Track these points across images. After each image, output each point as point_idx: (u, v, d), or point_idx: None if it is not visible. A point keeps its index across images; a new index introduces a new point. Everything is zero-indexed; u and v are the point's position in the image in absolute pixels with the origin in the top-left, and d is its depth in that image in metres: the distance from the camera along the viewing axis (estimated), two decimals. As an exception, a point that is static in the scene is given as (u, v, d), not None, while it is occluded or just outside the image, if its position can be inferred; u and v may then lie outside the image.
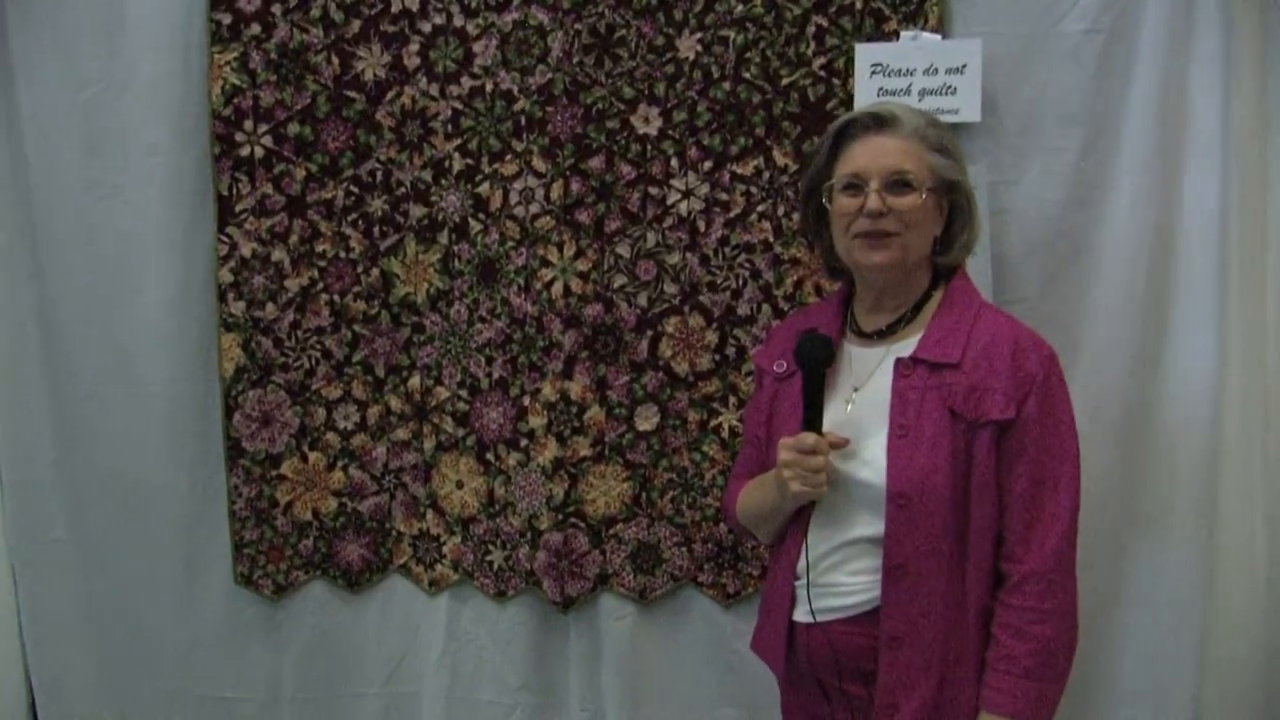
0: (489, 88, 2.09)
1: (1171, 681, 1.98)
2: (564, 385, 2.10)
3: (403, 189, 2.13)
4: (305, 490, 2.19)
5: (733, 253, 2.06)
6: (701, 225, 2.06)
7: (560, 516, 2.11)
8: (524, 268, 2.10)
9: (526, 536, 2.13)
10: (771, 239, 2.05)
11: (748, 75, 2.04)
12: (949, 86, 1.99)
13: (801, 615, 1.55)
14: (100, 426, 2.23)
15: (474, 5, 2.09)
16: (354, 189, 2.13)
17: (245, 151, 2.14)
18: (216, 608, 2.24)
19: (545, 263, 2.10)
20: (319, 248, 2.14)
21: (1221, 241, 1.97)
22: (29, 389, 2.26)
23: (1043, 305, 2.00)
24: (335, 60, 2.12)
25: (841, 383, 1.57)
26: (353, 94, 2.12)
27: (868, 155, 1.54)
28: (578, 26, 2.06)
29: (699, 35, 2.04)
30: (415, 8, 2.10)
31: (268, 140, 2.14)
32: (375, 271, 2.14)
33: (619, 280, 2.08)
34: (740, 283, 2.06)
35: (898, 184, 1.52)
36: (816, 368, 1.52)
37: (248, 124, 2.14)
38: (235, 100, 2.13)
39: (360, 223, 2.13)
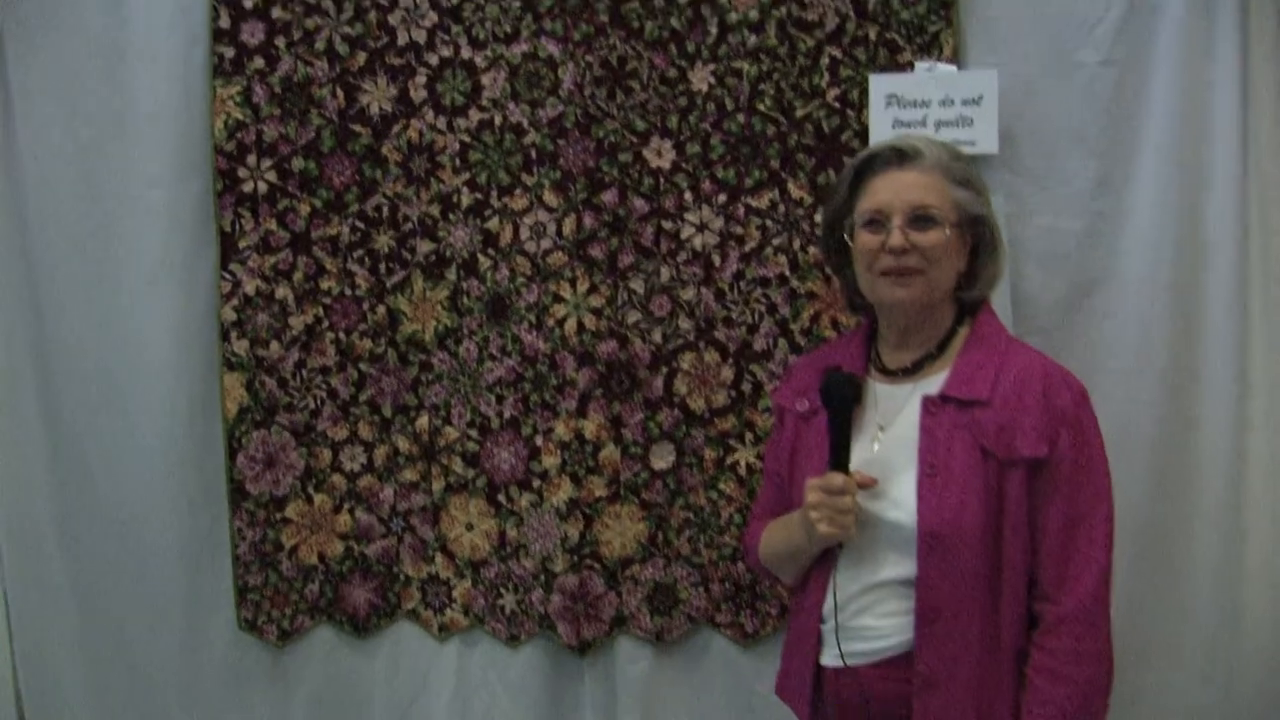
0: (498, 121, 2.07)
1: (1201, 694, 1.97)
2: (578, 424, 2.07)
3: (410, 224, 2.09)
4: (311, 533, 2.14)
5: (748, 287, 2.03)
6: (716, 259, 2.04)
7: (575, 558, 2.08)
8: (535, 304, 2.07)
9: (540, 579, 2.09)
10: (787, 273, 2.03)
11: (761, 107, 2.02)
12: (965, 118, 1.98)
13: (830, 659, 1.53)
14: (98, 468, 2.18)
15: (482, 37, 2.07)
16: (360, 224, 2.10)
17: (248, 187, 2.11)
18: (219, 654, 2.18)
19: (557, 299, 2.07)
20: (324, 285, 2.11)
21: (1241, 270, 1.98)
22: (25, 429, 2.21)
23: (1061, 336, 2.00)
24: (340, 93, 2.09)
25: (867, 421, 1.54)
26: (358, 128, 2.09)
27: (890, 190, 1.52)
28: (589, 58, 2.04)
29: (712, 67, 2.03)
30: (422, 40, 2.08)
31: (271, 175, 2.10)
32: (382, 309, 2.10)
33: (633, 316, 2.06)
34: (756, 317, 2.03)
35: (921, 219, 1.50)
36: (844, 407, 1.49)
37: (251, 159, 2.10)
38: (238, 134, 2.10)
39: (366, 259, 2.10)
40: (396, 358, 2.11)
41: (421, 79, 2.08)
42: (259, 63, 2.09)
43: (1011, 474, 1.43)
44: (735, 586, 2.06)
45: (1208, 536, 1.99)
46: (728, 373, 2.04)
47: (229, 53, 2.09)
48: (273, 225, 2.11)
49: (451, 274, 2.09)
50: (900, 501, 1.46)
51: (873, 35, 2.00)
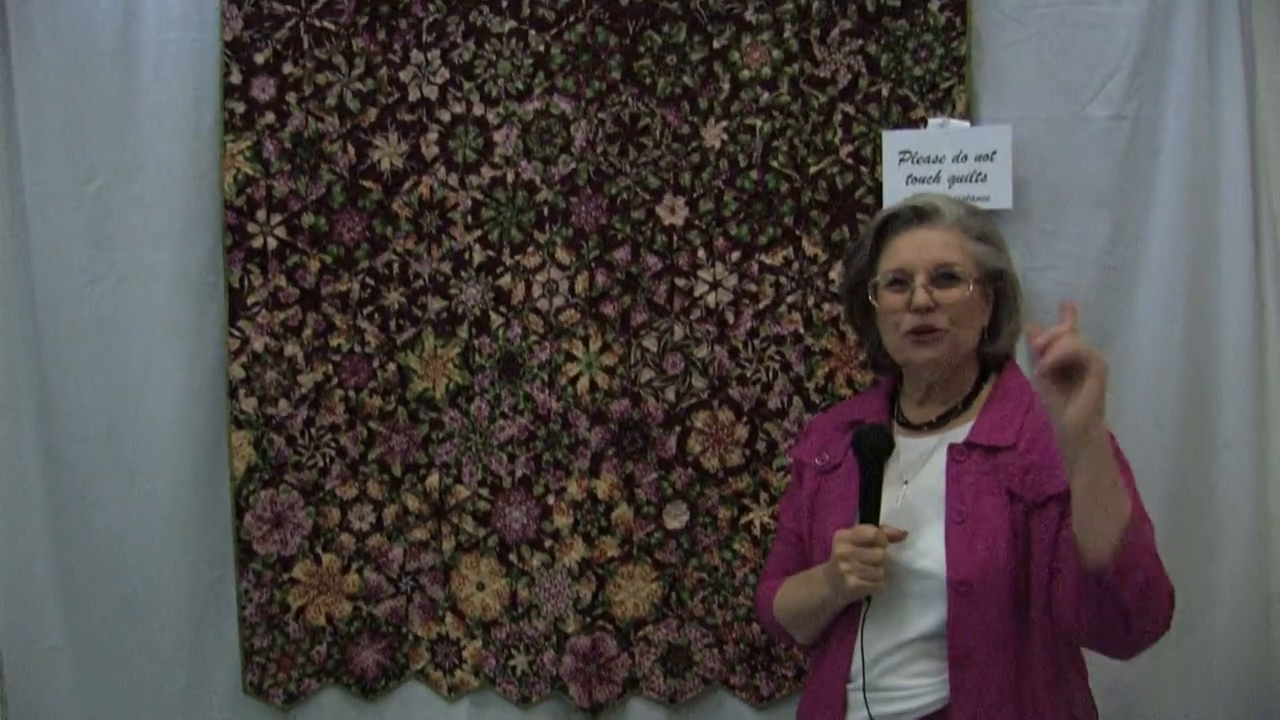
0: (510, 178, 2.07)
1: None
2: (590, 483, 2.05)
3: (421, 281, 2.09)
4: (319, 594, 2.12)
5: (762, 345, 2.03)
6: (730, 317, 2.03)
7: (588, 619, 2.06)
8: (548, 362, 2.06)
9: (552, 640, 2.07)
10: (802, 330, 2.02)
11: (775, 164, 2.03)
12: (979, 173, 1.99)
13: None
14: (102, 527, 2.16)
15: (494, 94, 2.07)
16: (370, 281, 2.09)
17: (258, 242, 2.10)
18: (224, 719, 2.15)
19: (570, 357, 2.06)
20: (334, 342, 2.10)
21: (1255, 325, 1.98)
22: (27, 486, 2.20)
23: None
24: (351, 149, 2.09)
25: (890, 474, 1.54)
26: (369, 184, 2.09)
27: (912, 249, 1.54)
28: (601, 115, 2.05)
29: (724, 124, 2.03)
30: (434, 96, 2.08)
31: (281, 231, 2.10)
32: (392, 366, 2.09)
33: (646, 374, 2.05)
34: (771, 376, 2.03)
35: (944, 277, 1.51)
36: (876, 458, 1.49)
37: (260, 214, 2.10)
38: (248, 190, 2.10)
39: (376, 316, 2.09)
40: (407, 416, 2.09)
41: (433, 135, 2.08)
42: (270, 118, 2.10)
43: (1040, 515, 1.43)
44: (750, 648, 2.04)
45: (1224, 595, 1.97)
46: (742, 431, 2.03)
47: (240, 108, 2.10)
48: (282, 281, 2.10)
49: (463, 331, 2.08)
50: (928, 551, 1.46)
51: (885, 92, 2.01)
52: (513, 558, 2.08)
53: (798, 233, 2.02)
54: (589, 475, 2.05)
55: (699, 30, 2.04)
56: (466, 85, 2.08)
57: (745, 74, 2.03)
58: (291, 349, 2.10)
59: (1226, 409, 1.98)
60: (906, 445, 1.55)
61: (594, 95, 2.05)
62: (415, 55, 2.08)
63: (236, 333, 2.11)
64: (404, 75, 2.09)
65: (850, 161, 2.02)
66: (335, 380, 2.10)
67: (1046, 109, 2.00)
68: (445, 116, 2.09)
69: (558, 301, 2.07)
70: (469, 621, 2.10)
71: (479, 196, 2.08)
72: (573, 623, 2.06)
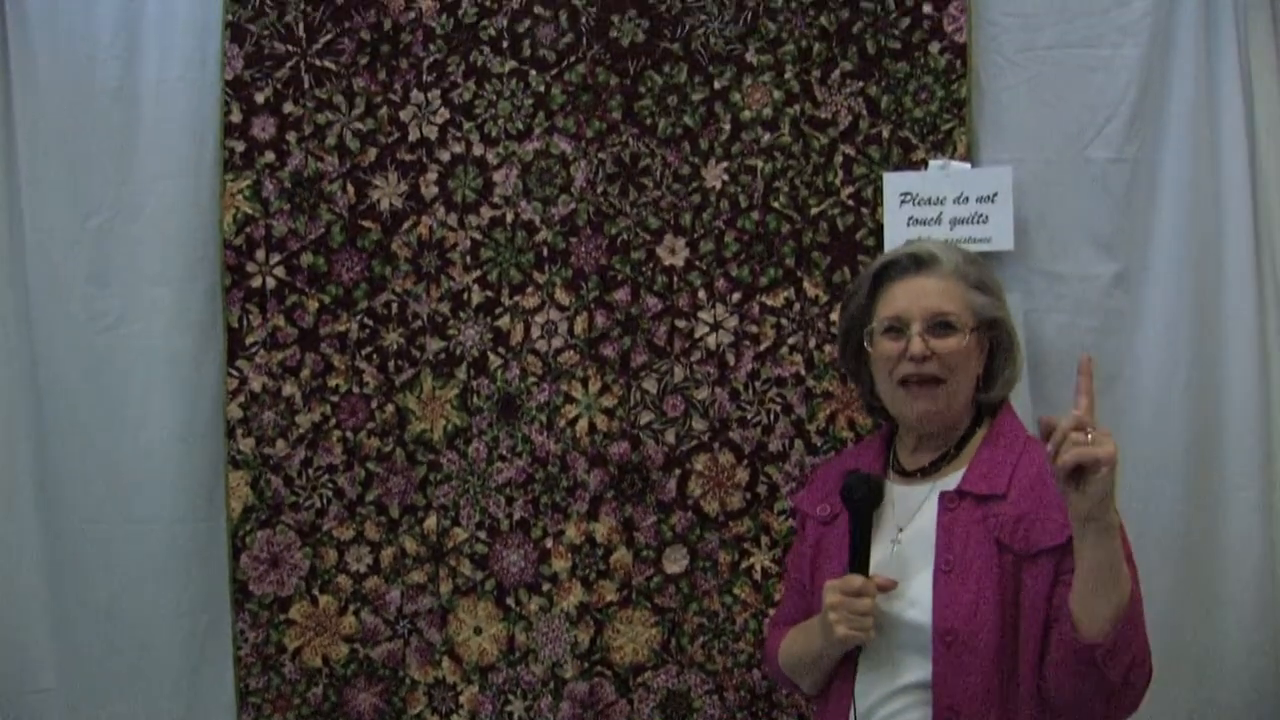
0: (510, 218, 2.07)
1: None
2: (589, 526, 2.05)
3: (419, 322, 2.09)
4: (315, 636, 2.11)
5: (763, 387, 2.02)
6: (731, 358, 2.03)
7: (586, 665, 2.05)
8: (546, 404, 2.06)
9: (549, 686, 2.06)
10: (803, 372, 2.02)
11: (776, 205, 2.03)
12: (980, 215, 1.99)
13: None
14: (97, 567, 2.15)
15: (494, 134, 2.08)
16: (369, 321, 2.09)
17: (256, 282, 2.10)
18: (217, 762, 2.13)
19: (569, 399, 2.06)
20: (332, 382, 2.10)
21: (1259, 367, 1.98)
22: (22, 526, 2.19)
23: (1078, 433, 1.98)
24: (350, 189, 2.10)
25: (886, 523, 1.54)
26: (368, 224, 2.09)
27: (908, 297, 1.54)
28: (601, 155, 2.05)
29: (725, 164, 2.04)
30: (433, 136, 2.09)
31: (280, 271, 2.10)
32: (390, 407, 2.09)
33: (646, 417, 2.05)
34: (772, 418, 2.02)
35: (940, 326, 1.51)
36: (864, 508, 1.49)
37: (259, 254, 2.10)
38: (247, 229, 2.10)
39: (375, 357, 2.09)
40: (404, 457, 2.09)
41: (433, 175, 2.09)
42: (270, 157, 2.10)
43: (1031, 567, 1.42)
44: (751, 695, 2.02)
45: (1230, 632, 1.96)
46: (743, 474, 2.02)
47: (240, 147, 2.10)
48: (281, 321, 2.10)
49: (461, 373, 2.08)
50: (917, 600, 1.45)
51: (886, 133, 2.01)
52: (510, 601, 2.07)
53: (799, 274, 2.02)
54: (588, 518, 2.05)
55: (700, 71, 2.04)
56: (466, 125, 2.09)
57: (746, 115, 2.04)
58: (289, 389, 2.10)
59: (1232, 452, 1.97)
60: (901, 493, 1.54)
61: (594, 135, 2.06)
62: (415, 95, 2.09)
63: (235, 372, 2.10)
64: (404, 115, 2.09)
65: (851, 203, 2.02)
66: (333, 421, 2.10)
67: (1047, 151, 2.00)
68: (445, 156, 2.09)
69: (557, 343, 2.06)
70: (466, 666, 2.09)
71: (478, 237, 2.08)
72: (571, 668, 2.05)
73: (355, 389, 2.09)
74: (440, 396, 2.09)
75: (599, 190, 2.06)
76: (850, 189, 2.02)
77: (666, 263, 2.05)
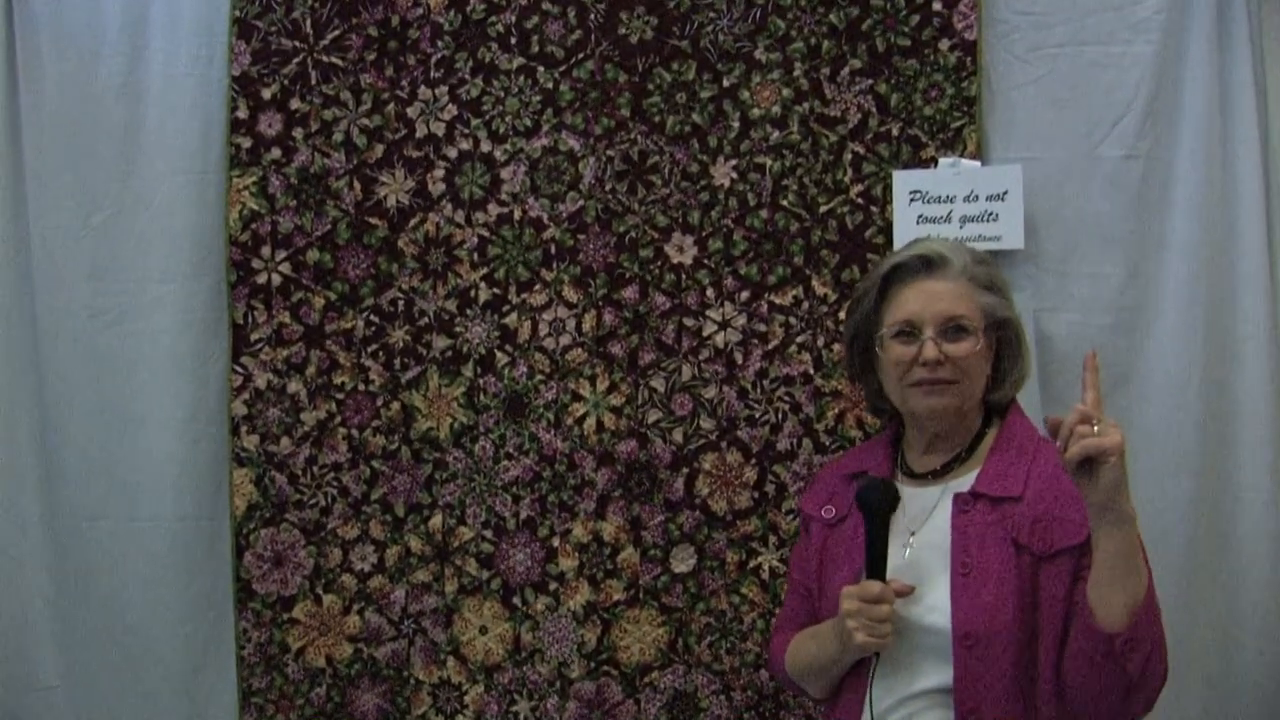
0: (517, 215, 2.07)
1: None
2: (596, 525, 2.05)
3: (426, 319, 2.09)
4: (319, 635, 2.10)
5: (772, 385, 2.02)
6: (739, 357, 2.03)
7: (592, 664, 2.04)
8: (554, 402, 2.05)
9: (556, 686, 2.05)
10: (812, 371, 2.02)
11: (785, 203, 2.03)
12: (990, 213, 1.99)
13: None
14: (100, 565, 2.15)
15: (502, 131, 2.08)
16: (375, 319, 2.09)
17: (262, 279, 2.10)
18: (220, 762, 2.13)
19: (576, 397, 2.06)
20: (337, 380, 2.10)
21: (1273, 365, 1.97)
22: (25, 524, 2.19)
23: (1089, 433, 1.97)
24: (357, 185, 2.10)
25: (898, 527, 1.52)
26: (375, 220, 2.09)
27: (920, 301, 1.53)
28: (609, 153, 2.06)
29: (734, 162, 2.04)
30: (441, 133, 2.09)
31: (286, 267, 2.10)
32: (396, 405, 2.09)
33: (653, 415, 2.05)
34: (780, 417, 2.02)
35: (954, 330, 1.51)
36: (881, 514, 1.48)
37: (265, 250, 2.10)
38: (253, 226, 2.10)
39: (381, 354, 2.09)
40: (410, 455, 2.09)
41: (440, 172, 2.09)
42: (276, 154, 2.10)
43: (1049, 568, 1.42)
44: (758, 695, 2.02)
45: (1243, 633, 1.96)
46: (751, 473, 2.02)
47: (246, 143, 2.11)
48: (286, 318, 2.10)
49: (468, 370, 2.08)
50: (936, 605, 1.45)
51: (895, 131, 2.01)
52: (516, 601, 2.07)
53: (807, 272, 2.02)
54: (595, 517, 2.04)
55: (709, 68, 2.05)
56: (474, 122, 2.09)
57: (755, 112, 2.04)
58: (295, 386, 2.10)
59: (1245, 451, 1.97)
60: (911, 495, 1.54)
61: (602, 132, 2.06)
62: (423, 91, 2.09)
63: (239, 369, 2.10)
64: (411, 111, 2.09)
65: (860, 201, 2.02)
66: (338, 418, 2.09)
67: (1058, 148, 2.00)
68: (452, 153, 2.09)
69: (564, 340, 2.06)
70: (471, 666, 2.08)
71: (485, 234, 2.08)
72: (577, 668, 2.04)
73: (361, 386, 2.09)
74: (447, 394, 2.08)
75: (607, 187, 2.06)
76: (859, 187, 2.02)
77: (675, 261, 2.05)
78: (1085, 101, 1.99)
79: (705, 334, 2.04)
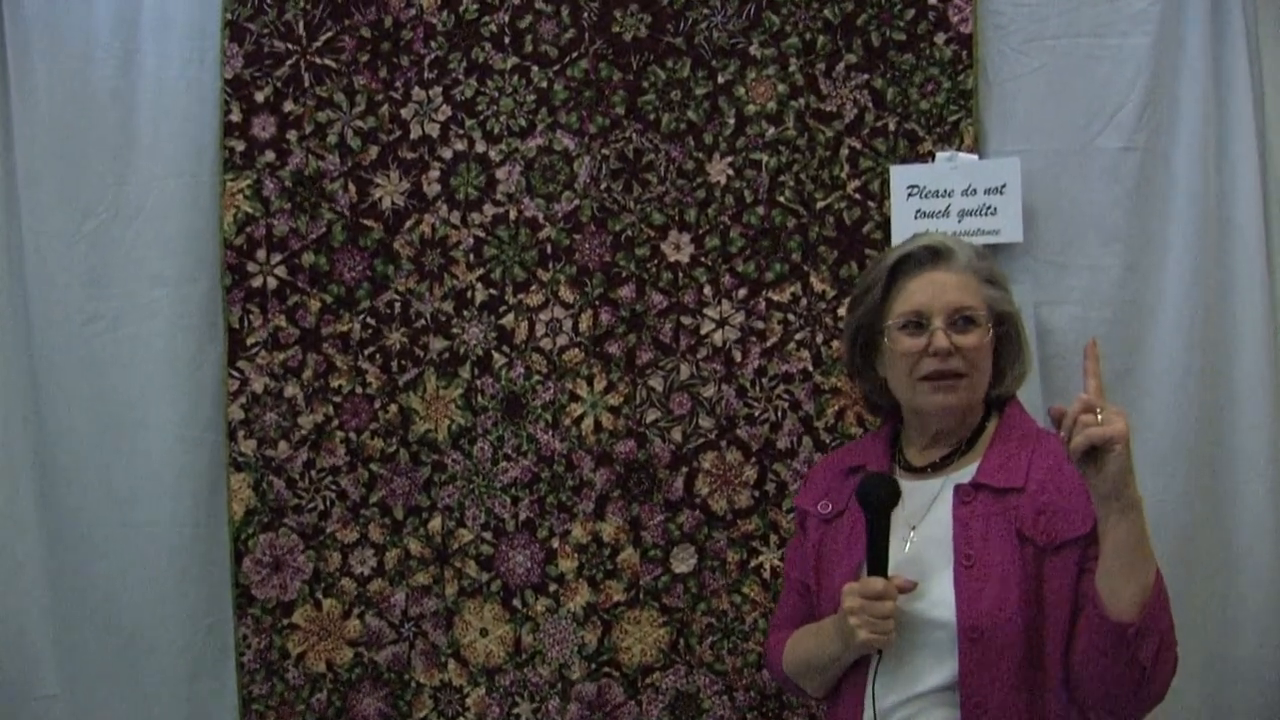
0: (513, 215, 2.08)
1: None
2: (595, 526, 2.05)
3: (422, 321, 2.09)
4: (319, 640, 2.10)
5: (771, 383, 2.02)
6: (737, 355, 2.03)
7: (593, 666, 2.05)
8: (551, 403, 2.05)
9: (557, 687, 2.05)
10: (811, 368, 2.02)
11: (781, 199, 2.03)
12: (988, 207, 1.99)
13: None
14: (98, 572, 2.16)
15: (497, 131, 2.08)
16: (371, 321, 2.09)
17: (257, 282, 2.10)
18: (221, 769, 2.13)
19: (574, 397, 2.06)
20: (334, 383, 2.10)
21: (1272, 356, 1.98)
22: (22, 531, 2.19)
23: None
24: (352, 188, 2.10)
25: (897, 521, 1.51)
26: (370, 222, 2.10)
27: (928, 292, 1.52)
28: (605, 151, 2.06)
29: (730, 159, 2.04)
30: (435, 134, 2.09)
31: (281, 270, 2.10)
32: (393, 408, 2.09)
33: (652, 414, 2.05)
34: (779, 415, 2.02)
35: (963, 320, 1.51)
36: (882, 510, 1.47)
37: (260, 253, 2.11)
38: (248, 229, 2.10)
39: (378, 356, 2.09)
40: (408, 458, 2.09)
41: (435, 173, 2.09)
42: (270, 156, 2.10)
43: (1053, 559, 1.41)
44: (760, 695, 2.02)
45: (1244, 625, 1.96)
46: (750, 472, 2.02)
47: (240, 146, 2.11)
48: (282, 321, 2.10)
49: (465, 372, 2.08)
50: (939, 599, 1.44)
51: (892, 126, 2.01)
52: (516, 603, 2.07)
53: (805, 269, 2.02)
54: (594, 518, 2.05)
55: (703, 65, 2.05)
56: (468, 122, 2.09)
57: (750, 109, 2.04)
58: (292, 390, 2.10)
59: (1246, 441, 1.97)
60: (910, 489, 1.53)
61: (597, 131, 2.06)
62: (417, 92, 2.09)
63: (236, 373, 2.10)
64: (405, 113, 2.10)
65: (858, 196, 2.02)
66: (336, 422, 2.10)
67: (1056, 141, 2.01)
68: (447, 154, 2.09)
69: (561, 340, 2.06)
70: (472, 668, 2.08)
71: (481, 234, 2.08)
72: (578, 669, 2.05)
73: (358, 389, 2.09)
74: (444, 396, 2.09)
75: (602, 186, 2.06)
76: (856, 182, 2.02)
77: (671, 259, 2.05)
78: (1082, 94, 1.99)
79: (703, 332, 2.04)
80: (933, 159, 2.00)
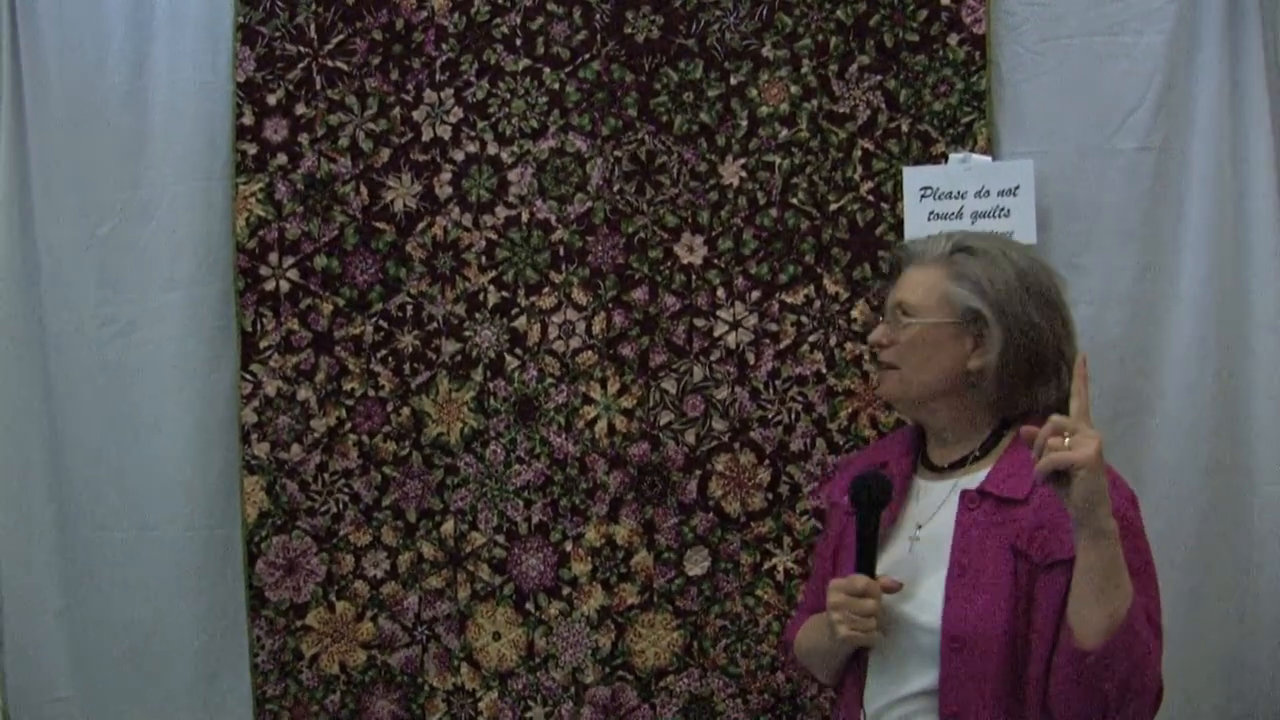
0: (525, 217, 2.08)
1: None
2: (609, 529, 2.06)
3: (435, 324, 2.10)
4: (332, 642, 2.12)
5: (784, 385, 2.03)
6: (751, 357, 2.04)
7: (607, 669, 2.06)
8: (564, 405, 2.07)
9: (570, 691, 2.07)
10: (824, 370, 2.03)
11: (794, 201, 2.03)
12: (1001, 209, 1.99)
13: None
14: (111, 575, 2.18)
15: (509, 133, 2.09)
16: (383, 324, 2.11)
17: (270, 285, 2.12)
18: (236, 770, 2.15)
19: (587, 400, 2.07)
20: (347, 386, 2.11)
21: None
22: (35, 534, 2.22)
23: (1107, 428, 1.96)
24: (364, 190, 2.11)
25: (908, 518, 1.54)
26: (382, 225, 2.11)
27: (894, 291, 1.58)
28: (617, 153, 2.07)
29: (743, 161, 2.05)
30: (447, 136, 2.10)
31: (294, 274, 2.12)
32: (406, 411, 2.10)
33: (665, 417, 2.06)
34: (793, 417, 2.03)
35: (901, 314, 1.53)
36: (871, 508, 1.48)
37: (273, 257, 2.12)
38: (260, 232, 2.12)
39: (390, 359, 2.10)
40: (421, 461, 2.10)
41: (447, 175, 2.10)
42: (282, 159, 2.12)
43: (1046, 578, 1.40)
44: (775, 698, 2.03)
45: (1261, 635, 1.96)
46: (764, 474, 2.03)
47: (252, 149, 2.12)
48: (295, 325, 2.12)
49: (478, 374, 2.09)
50: (928, 604, 1.45)
51: (905, 128, 2.02)
52: (530, 606, 2.08)
53: (819, 270, 2.03)
54: (608, 521, 2.06)
55: (716, 67, 2.06)
56: (480, 124, 2.10)
57: (763, 110, 2.04)
58: (304, 393, 2.11)
59: (1262, 444, 1.97)
60: (925, 488, 1.55)
61: (610, 133, 2.07)
62: (428, 95, 2.11)
63: (249, 377, 2.12)
64: (417, 115, 2.11)
65: (871, 198, 2.03)
66: (349, 425, 2.11)
67: (1070, 142, 2.01)
68: (459, 156, 2.10)
69: (574, 343, 2.07)
70: (485, 672, 2.10)
71: (493, 237, 2.09)
72: (592, 673, 2.06)
73: (371, 392, 2.11)
74: (457, 399, 2.10)
75: (615, 188, 2.07)
76: (870, 184, 2.03)
77: (684, 261, 2.06)
78: (1097, 94, 1.99)
79: (716, 334, 2.05)
80: (946, 160, 2.01)
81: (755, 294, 2.04)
